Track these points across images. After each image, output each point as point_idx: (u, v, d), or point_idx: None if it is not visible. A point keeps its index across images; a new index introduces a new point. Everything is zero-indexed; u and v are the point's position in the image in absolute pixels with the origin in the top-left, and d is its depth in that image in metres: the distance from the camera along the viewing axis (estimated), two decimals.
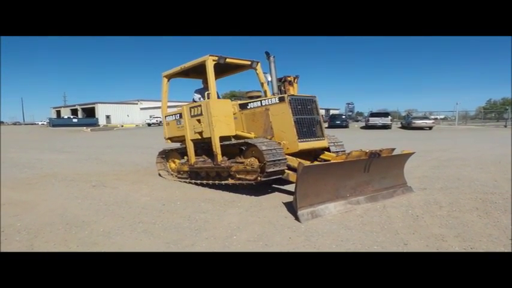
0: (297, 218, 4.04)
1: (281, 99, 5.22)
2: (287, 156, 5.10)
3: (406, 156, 5.50)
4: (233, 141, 5.57)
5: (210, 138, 5.63)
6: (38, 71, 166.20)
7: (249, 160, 5.16)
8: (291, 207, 4.57)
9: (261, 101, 5.53)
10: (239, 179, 5.31)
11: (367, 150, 4.77)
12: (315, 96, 5.61)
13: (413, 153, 5.55)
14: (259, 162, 5.01)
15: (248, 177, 5.18)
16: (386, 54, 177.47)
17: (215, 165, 5.62)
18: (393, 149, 5.23)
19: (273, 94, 5.89)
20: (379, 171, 5.00)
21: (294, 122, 5.10)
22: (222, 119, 5.61)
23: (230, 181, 5.44)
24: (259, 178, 4.97)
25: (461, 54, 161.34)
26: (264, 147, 4.81)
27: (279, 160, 4.86)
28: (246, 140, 5.20)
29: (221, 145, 5.56)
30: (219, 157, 5.53)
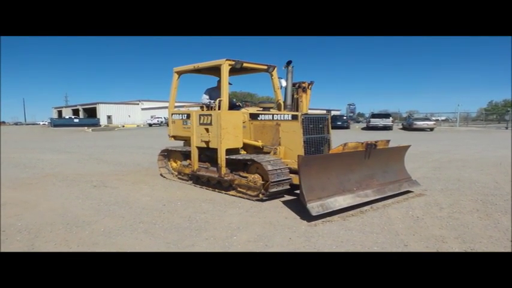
0: (307, 211, 4.03)
1: (294, 117, 5.15)
2: (289, 160, 5.11)
3: (403, 150, 5.63)
4: (239, 156, 5.43)
5: (216, 148, 5.55)
6: (40, 71, 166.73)
7: (252, 176, 5.11)
8: (292, 207, 4.59)
9: (272, 114, 5.48)
10: (240, 192, 5.29)
11: (363, 142, 4.81)
12: (328, 114, 5.60)
13: (409, 146, 5.72)
14: (263, 180, 4.97)
15: (249, 192, 5.16)
16: (387, 55, 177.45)
17: (218, 177, 5.58)
18: (388, 141, 5.34)
19: (285, 103, 5.83)
20: (380, 164, 5.09)
21: (304, 141, 5.07)
22: (231, 131, 5.50)
23: (230, 193, 5.41)
24: (260, 195, 4.95)
25: (462, 55, 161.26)
26: (269, 167, 4.75)
27: (283, 180, 4.84)
28: (252, 157, 5.10)
29: (226, 158, 5.45)
30: (223, 169, 5.46)
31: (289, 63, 5.76)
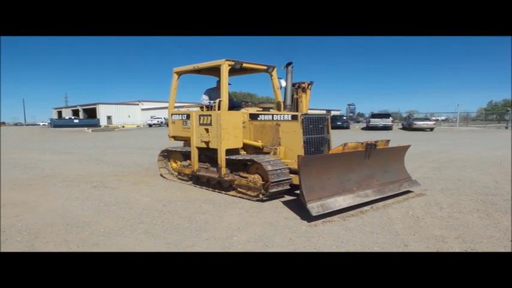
0: (307, 212, 4.03)
1: (294, 118, 5.15)
2: (289, 160, 5.11)
3: (403, 150, 5.64)
4: (239, 156, 5.42)
5: (216, 149, 5.54)
6: (40, 72, 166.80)
7: (252, 177, 5.10)
8: (292, 208, 4.59)
9: (272, 115, 5.47)
10: (240, 192, 5.29)
11: (363, 142, 4.83)
12: (327, 114, 5.61)
13: (409, 146, 5.74)
14: (263, 181, 4.97)
15: (249, 193, 5.15)
16: (387, 55, 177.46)
17: (218, 177, 5.58)
18: (388, 141, 5.35)
19: (285, 103, 5.84)
20: (380, 164, 5.10)
21: (304, 141, 5.06)
22: (231, 132, 5.49)
23: (230, 193, 5.40)
24: (260, 196, 4.95)
25: (462, 55, 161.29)
26: (269, 167, 4.74)
27: (283, 180, 4.84)
28: (252, 157, 5.10)
29: (226, 159, 5.44)
30: (223, 170, 5.45)
31: (289, 64, 5.77)
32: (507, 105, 48.13)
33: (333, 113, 49.92)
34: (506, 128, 29.60)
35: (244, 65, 5.72)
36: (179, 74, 6.67)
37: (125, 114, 58.52)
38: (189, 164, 6.30)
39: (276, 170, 4.78)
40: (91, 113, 57.83)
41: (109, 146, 16.09)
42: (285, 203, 4.90)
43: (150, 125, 45.87)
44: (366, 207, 4.57)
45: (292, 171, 4.95)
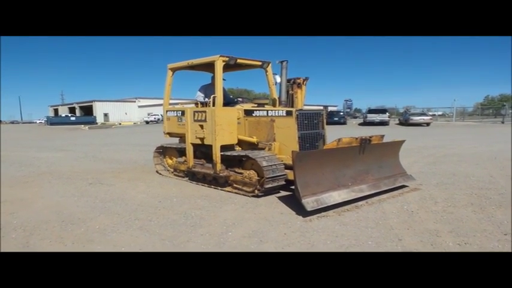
0: (302, 207, 4.05)
1: (288, 113, 5.15)
2: (284, 156, 5.12)
3: (397, 144, 5.68)
4: (234, 152, 5.43)
5: (211, 145, 5.54)
6: (36, 69, 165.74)
7: (247, 172, 5.12)
8: (287, 203, 4.60)
9: (267, 111, 5.47)
10: (235, 188, 5.30)
11: (357, 137, 4.85)
12: (322, 110, 5.61)
13: (403, 141, 5.77)
14: (258, 176, 4.98)
15: (245, 188, 5.16)
16: (384, 51, 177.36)
17: (213, 173, 5.58)
18: (383, 136, 5.38)
19: (280, 99, 5.83)
20: (375, 159, 5.12)
21: (298, 137, 5.07)
22: (226, 128, 5.49)
23: (226, 189, 5.41)
24: (256, 191, 4.96)
25: (459, 52, 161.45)
26: (264, 163, 4.75)
27: (278, 176, 4.85)
28: (247, 153, 5.09)
29: (221, 155, 5.44)
30: (218, 166, 5.45)
31: (283, 60, 5.78)
32: (503, 100, 48.32)
33: (330, 108, 49.95)
34: (502, 122, 29.72)
35: (238, 60, 5.70)
36: (174, 70, 6.64)
37: (121, 112, 58.27)
38: (185, 161, 6.30)
39: (271, 165, 4.79)
40: (87, 111, 57.59)
41: (105, 143, 16.04)
42: (280, 198, 4.92)
43: (147, 122, 45.79)
44: (361, 202, 4.59)
45: (287, 167, 4.95)
